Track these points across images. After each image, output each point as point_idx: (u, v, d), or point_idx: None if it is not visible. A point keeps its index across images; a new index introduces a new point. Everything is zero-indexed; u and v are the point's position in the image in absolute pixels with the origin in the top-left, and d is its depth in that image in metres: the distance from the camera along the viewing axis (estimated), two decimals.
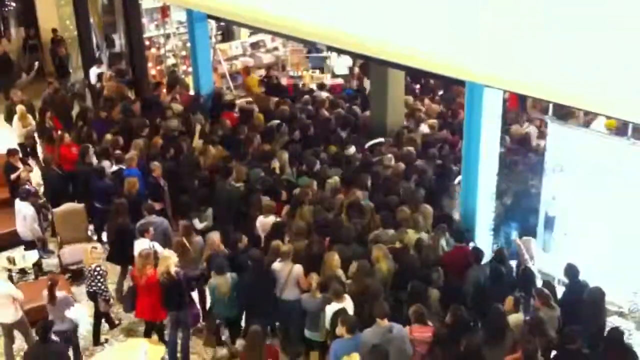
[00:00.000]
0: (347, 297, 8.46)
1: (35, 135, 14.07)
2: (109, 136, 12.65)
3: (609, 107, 7.31)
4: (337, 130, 13.17)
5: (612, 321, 9.56)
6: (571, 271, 8.74)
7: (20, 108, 13.97)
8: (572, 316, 8.24)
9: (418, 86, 16.61)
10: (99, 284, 9.50)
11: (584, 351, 7.67)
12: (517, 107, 14.37)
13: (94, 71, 16.56)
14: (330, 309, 8.42)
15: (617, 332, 7.93)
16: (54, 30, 19.16)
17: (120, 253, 10.40)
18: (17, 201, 11.16)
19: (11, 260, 10.72)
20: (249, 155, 11.98)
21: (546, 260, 9.91)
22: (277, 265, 9.07)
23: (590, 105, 7.69)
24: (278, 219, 10.03)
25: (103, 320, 10.08)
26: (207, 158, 11.85)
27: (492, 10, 8.38)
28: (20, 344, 9.67)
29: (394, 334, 7.79)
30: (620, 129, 10.81)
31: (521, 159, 11.47)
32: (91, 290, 9.60)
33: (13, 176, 11.88)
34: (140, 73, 15.99)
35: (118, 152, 11.96)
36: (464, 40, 8.39)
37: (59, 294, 9.14)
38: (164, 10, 18.11)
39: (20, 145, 13.65)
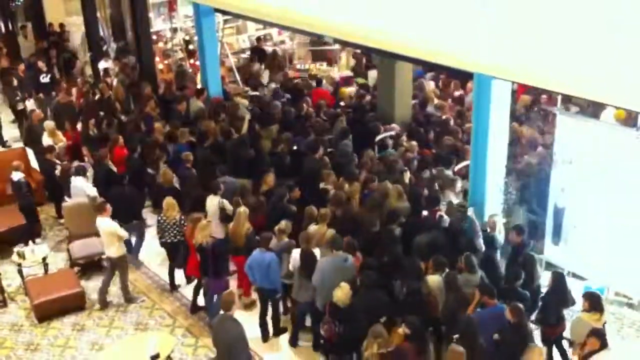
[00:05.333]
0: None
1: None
2: (158, 124, 13.01)
3: (618, 97, 7.29)
4: None
5: (622, 312, 9.58)
6: (521, 231, 9.32)
7: (48, 125, 13.35)
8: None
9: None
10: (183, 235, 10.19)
11: (520, 290, 8.47)
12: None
13: (101, 65, 16.58)
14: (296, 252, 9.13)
15: (558, 274, 8.69)
16: (62, 25, 19.20)
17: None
18: (73, 178, 11.50)
19: (21, 255, 10.76)
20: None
21: (556, 251, 9.89)
22: (312, 227, 9.45)
23: (598, 95, 7.65)
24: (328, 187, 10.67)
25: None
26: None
27: (500, 1, 8.34)
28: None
29: (347, 264, 8.69)
30: (629, 119, 10.76)
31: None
32: (175, 240, 10.30)
33: (57, 172, 11.88)
34: (147, 67, 16.00)
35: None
36: (471, 32, 8.37)
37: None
38: (171, 4, 18.14)
39: None
